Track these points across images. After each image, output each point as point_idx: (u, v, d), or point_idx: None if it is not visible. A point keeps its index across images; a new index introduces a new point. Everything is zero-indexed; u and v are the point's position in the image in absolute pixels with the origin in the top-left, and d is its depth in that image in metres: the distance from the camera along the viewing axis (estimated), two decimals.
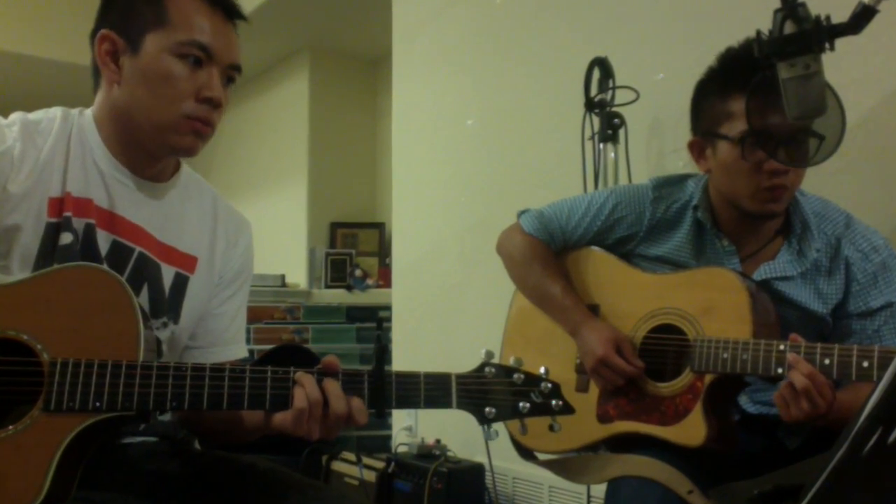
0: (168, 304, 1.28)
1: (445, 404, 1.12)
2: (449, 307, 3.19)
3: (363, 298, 4.49)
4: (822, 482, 0.75)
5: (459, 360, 1.18)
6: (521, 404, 1.12)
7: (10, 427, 1.05)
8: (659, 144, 2.42)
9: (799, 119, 1.29)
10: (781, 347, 1.31)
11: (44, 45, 4.97)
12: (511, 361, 1.15)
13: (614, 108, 2.34)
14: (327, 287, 4.76)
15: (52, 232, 1.19)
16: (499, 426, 1.15)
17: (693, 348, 1.44)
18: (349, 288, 4.61)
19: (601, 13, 2.63)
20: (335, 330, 4.20)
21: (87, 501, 1.14)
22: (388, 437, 3.47)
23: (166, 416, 1.34)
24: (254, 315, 4.00)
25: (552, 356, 1.68)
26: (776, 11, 1.29)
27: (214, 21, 1.23)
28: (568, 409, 1.14)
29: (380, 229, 4.97)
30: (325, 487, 1.34)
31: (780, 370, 1.31)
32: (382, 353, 1.14)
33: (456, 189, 3.21)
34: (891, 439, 0.72)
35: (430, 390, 1.11)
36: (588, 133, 2.38)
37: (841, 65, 1.46)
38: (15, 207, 1.16)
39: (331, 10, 4.45)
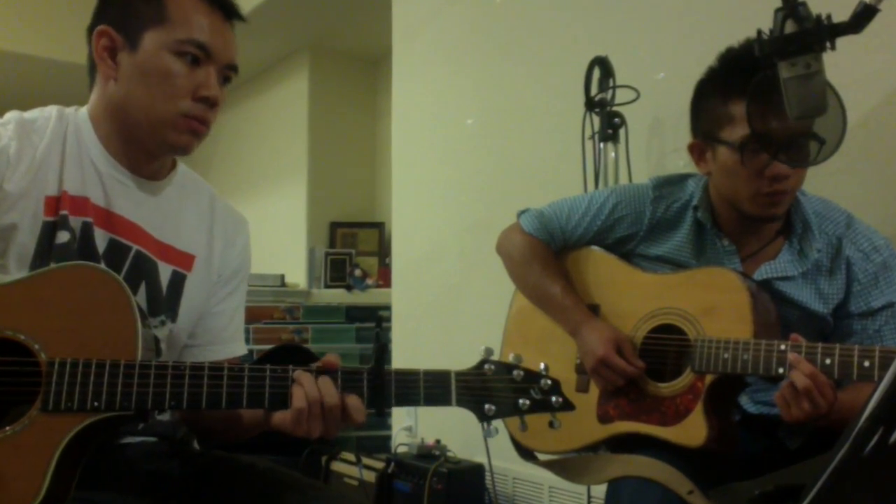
0: (166, 303, 1.28)
1: (445, 402, 1.11)
2: (449, 307, 3.19)
3: (363, 298, 4.49)
4: (824, 482, 0.75)
5: (460, 360, 1.18)
6: (520, 401, 1.12)
7: (8, 428, 1.05)
8: (659, 144, 2.42)
9: (800, 118, 1.29)
10: (782, 347, 1.31)
11: (40, 44, 4.97)
12: (510, 358, 1.14)
13: (615, 108, 2.33)
14: (327, 287, 4.76)
15: (49, 231, 1.19)
16: (499, 425, 1.14)
17: (693, 348, 1.44)
18: (349, 288, 4.61)
19: (601, 12, 2.63)
20: (335, 330, 4.20)
21: (86, 502, 1.13)
22: (388, 438, 3.46)
23: (165, 416, 1.33)
24: (253, 315, 4.00)
25: (552, 356, 1.68)
26: (777, 11, 1.29)
27: (213, 20, 1.23)
28: (568, 406, 1.13)
29: (379, 229, 4.97)
30: (324, 487, 1.34)
31: (780, 370, 1.31)
32: (382, 351, 1.14)
33: (456, 189, 3.21)
34: (892, 439, 0.72)
35: (430, 388, 1.11)
36: (588, 132, 2.38)
37: (842, 64, 1.46)
38: (11, 206, 1.16)
39: (330, 9, 4.44)
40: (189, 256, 1.31)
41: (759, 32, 1.31)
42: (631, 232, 1.66)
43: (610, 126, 2.32)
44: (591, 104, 2.35)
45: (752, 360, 1.34)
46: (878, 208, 1.85)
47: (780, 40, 1.27)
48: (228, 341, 1.38)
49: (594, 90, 2.35)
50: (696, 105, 1.56)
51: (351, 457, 3.01)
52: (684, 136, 1.62)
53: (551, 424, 1.14)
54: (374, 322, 4.18)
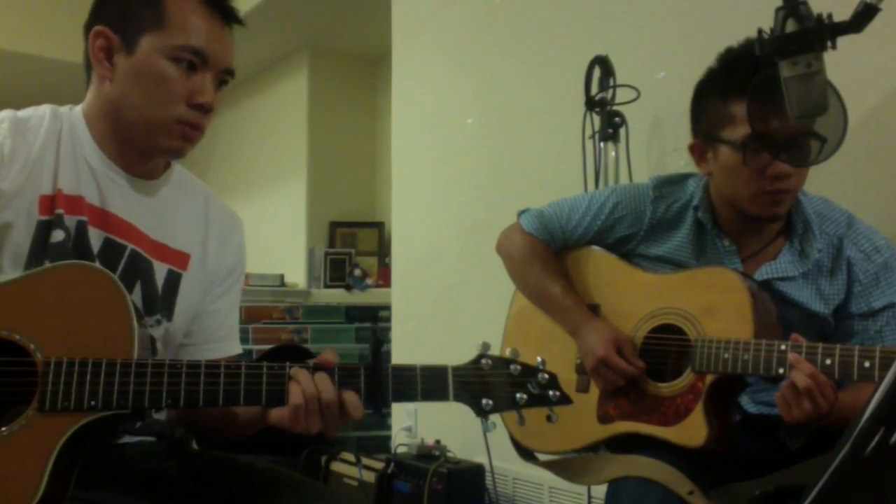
0: (161, 302, 1.28)
1: (442, 397, 1.11)
2: (449, 307, 3.19)
3: (362, 298, 4.48)
4: (824, 483, 0.75)
5: (460, 360, 1.17)
6: (518, 395, 1.11)
7: (5, 428, 1.05)
8: (660, 143, 2.42)
9: (801, 118, 1.29)
10: (783, 348, 1.31)
11: (36, 42, 4.96)
12: (507, 353, 1.14)
13: (615, 107, 2.33)
14: (326, 287, 4.75)
15: (44, 230, 1.19)
16: (497, 420, 1.14)
17: (694, 348, 1.44)
18: (348, 288, 4.60)
19: (602, 11, 2.63)
20: (334, 330, 4.19)
21: (84, 501, 1.13)
22: (388, 438, 3.46)
23: (162, 415, 1.33)
24: (252, 315, 4.00)
25: (552, 356, 1.66)
26: (778, 10, 1.29)
27: (211, 25, 1.23)
28: (565, 400, 1.13)
29: (379, 229, 4.96)
30: (323, 487, 1.34)
31: (781, 370, 1.30)
32: (378, 346, 1.14)
33: (456, 188, 3.21)
34: (893, 440, 0.72)
35: (427, 383, 1.11)
36: (588, 132, 2.38)
37: (843, 63, 1.45)
38: (6, 205, 1.16)
39: (330, 8, 4.44)
40: (184, 255, 1.31)
41: (760, 31, 1.31)
42: (631, 232, 1.65)
43: (610, 125, 2.31)
44: (591, 103, 2.35)
45: (753, 361, 1.34)
46: (879, 208, 1.84)
47: (781, 39, 1.26)
48: (224, 340, 1.38)
49: (594, 89, 2.35)
50: (697, 105, 1.56)
51: (350, 457, 3.01)
52: (685, 135, 1.61)
53: (549, 418, 1.14)
54: (372, 318, 4.18)
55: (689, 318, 1.48)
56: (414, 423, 3.31)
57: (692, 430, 1.42)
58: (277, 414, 1.10)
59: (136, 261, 1.25)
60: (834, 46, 1.24)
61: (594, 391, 1.59)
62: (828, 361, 1.26)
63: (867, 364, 1.23)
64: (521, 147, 2.91)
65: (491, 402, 1.11)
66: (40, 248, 1.18)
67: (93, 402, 1.05)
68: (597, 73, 2.34)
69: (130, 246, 1.25)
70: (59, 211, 1.19)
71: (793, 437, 1.49)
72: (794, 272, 1.50)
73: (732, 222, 1.55)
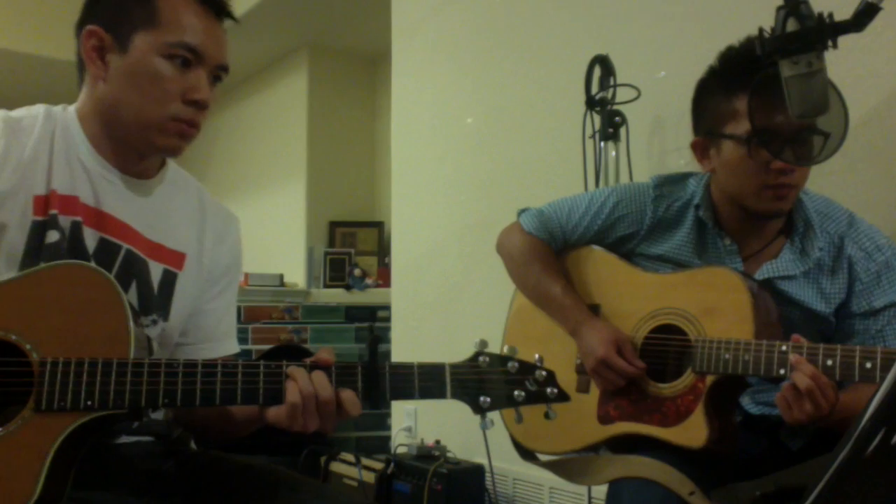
0: (157, 302, 1.27)
1: (440, 395, 1.11)
2: (449, 307, 3.18)
3: (362, 298, 4.48)
4: (825, 483, 0.75)
5: (459, 359, 1.17)
6: (516, 392, 1.11)
7: (1, 428, 1.04)
8: (660, 143, 2.41)
9: (801, 117, 1.28)
10: (784, 348, 1.30)
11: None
12: (505, 350, 1.14)
13: (615, 106, 2.33)
14: (326, 287, 4.75)
15: (39, 230, 1.18)
16: (495, 417, 1.14)
17: (694, 349, 1.43)
18: (348, 287, 4.60)
19: (602, 10, 2.62)
20: (334, 330, 4.19)
21: (81, 501, 1.13)
22: (388, 438, 3.46)
23: (160, 415, 1.33)
24: (252, 315, 4.00)
25: (552, 356, 1.67)
26: (779, 9, 1.29)
27: (205, 22, 1.23)
28: (563, 397, 1.13)
29: (379, 228, 4.96)
30: (322, 486, 1.34)
31: (782, 371, 1.30)
32: (375, 344, 1.13)
33: (456, 188, 3.20)
34: (894, 440, 0.72)
35: (425, 381, 1.11)
36: (589, 131, 2.38)
37: (844, 63, 1.45)
38: None
39: (330, 7, 4.44)
40: (180, 255, 1.31)
41: (761, 31, 1.31)
42: (632, 231, 1.65)
43: (610, 125, 2.31)
44: (591, 103, 2.35)
45: (754, 361, 1.33)
46: (879, 207, 1.84)
47: (782, 39, 1.26)
48: (221, 339, 1.38)
49: (595, 89, 2.35)
50: (698, 103, 1.56)
51: (350, 457, 3.01)
52: (685, 134, 1.61)
53: (547, 415, 1.13)
54: (372, 319, 4.18)
55: (689, 318, 1.48)
56: (414, 424, 3.31)
57: (693, 431, 1.41)
58: (274, 413, 1.09)
59: (131, 261, 1.25)
60: (835, 46, 1.24)
61: (594, 391, 1.59)
62: (829, 362, 1.26)
63: (869, 365, 1.22)
64: (521, 146, 2.91)
65: (489, 399, 1.11)
66: (35, 248, 1.17)
67: (89, 402, 1.05)
68: (597, 72, 2.34)
69: (126, 246, 1.25)
70: (54, 211, 1.19)
71: (794, 438, 1.49)
72: (795, 271, 1.50)
73: (734, 221, 1.55)
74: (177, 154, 1.26)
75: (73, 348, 1.06)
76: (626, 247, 1.67)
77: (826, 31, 1.23)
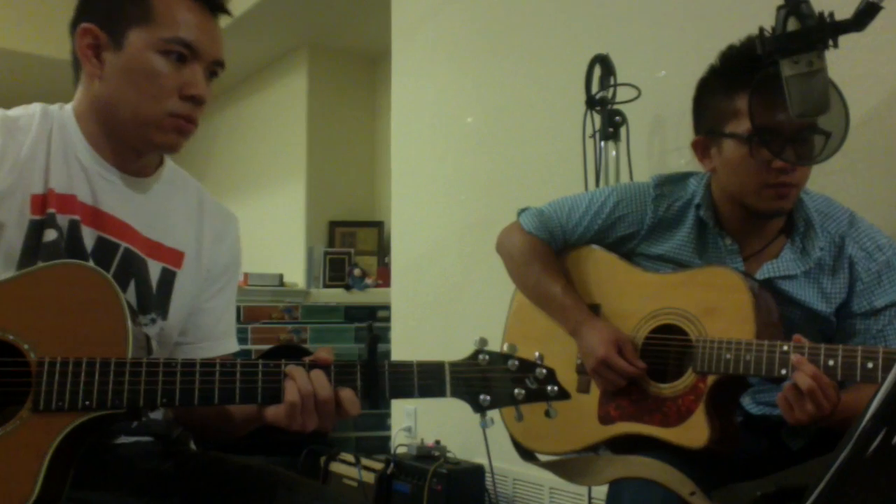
0: (156, 300, 1.27)
1: (440, 393, 1.10)
2: (449, 306, 3.18)
3: (362, 298, 4.48)
4: (826, 483, 0.74)
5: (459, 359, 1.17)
6: (516, 391, 1.10)
7: None
8: (660, 142, 2.41)
9: (802, 117, 1.28)
10: (785, 348, 1.30)
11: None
12: (505, 348, 1.13)
13: (615, 106, 2.33)
14: (326, 286, 4.75)
15: (36, 229, 1.18)
16: (495, 416, 1.13)
17: (695, 349, 1.43)
18: (348, 287, 4.60)
19: (602, 10, 2.62)
20: (333, 330, 4.19)
21: (80, 502, 1.12)
22: (387, 438, 3.46)
23: (159, 415, 1.33)
24: (251, 315, 4.00)
25: (552, 356, 1.65)
26: (779, 8, 1.29)
27: (199, 17, 1.22)
28: (564, 395, 1.12)
29: (379, 228, 4.96)
30: (321, 487, 1.33)
31: (783, 371, 1.30)
32: (374, 342, 1.13)
33: (456, 187, 3.20)
34: (894, 441, 0.71)
35: (424, 379, 1.10)
36: (589, 131, 2.37)
37: (844, 62, 1.45)
38: None
39: (329, 6, 4.44)
40: (178, 253, 1.31)
41: (762, 30, 1.31)
42: (632, 231, 1.65)
43: (611, 124, 2.31)
44: (591, 102, 2.34)
45: (755, 361, 1.33)
46: (880, 207, 1.84)
47: (783, 38, 1.26)
48: (220, 338, 1.38)
49: (595, 88, 2.34)
50: (699, 102, 1.55)
51: (350, 458, 3.01)
52: (686, 134, 1.61)
53: (547, 414, 1.13)
54: (371, 318, 4.17)
55: (690, 318, 1.48)
56: (413, 424, 3.31)
57: (694, 431, 1.41)
58: (273, 412, 1.09)
59: (129, 259, 1.24)
60: (836, 45, 1.24)
61: (595, 392, 1.59)
62: (830, 362, 1.25)
63: (870, 365, 1.22)
64: (521, 146, 2.91)
65: (489, 397, 1.10)
66: (33, 247, 1.17)
67: (87, 402, 1.04)
68: (597, 71, 2.34)
69: (124, 244, 1.24)
70: (51, 210, 1.19)
71: (794, 438, 1.49)
72: (795, 271, 1.49)
73: (734, 221, 1.55)
74: (175, 150, 1.26)
75: (71, 348, 1.06)
76: (626, 246, 1.67)
77: (827, 31, 1.23)
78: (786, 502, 1.24)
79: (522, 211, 1.79)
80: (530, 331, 1.77)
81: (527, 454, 1.69)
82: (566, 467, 1.62)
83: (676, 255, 1.59)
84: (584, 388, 1.61)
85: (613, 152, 2.32)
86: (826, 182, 1.75)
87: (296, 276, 4.92)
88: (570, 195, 1.75)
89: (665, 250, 1.61)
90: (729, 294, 1.44)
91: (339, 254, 4.84)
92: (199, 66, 1.22)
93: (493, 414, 1.12)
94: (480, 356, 1.12)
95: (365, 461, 2.94)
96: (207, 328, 1.35)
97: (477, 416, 1.11)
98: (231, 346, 1.39)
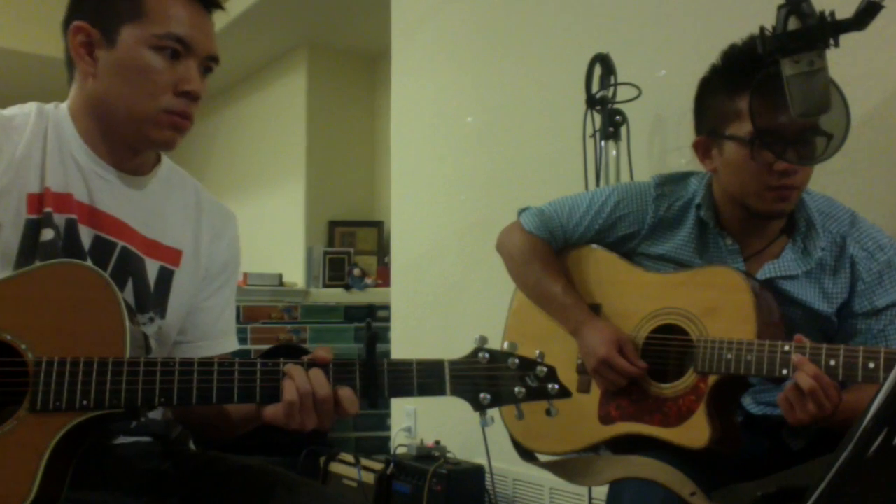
0: (154, 299, 1.27)
1: (439, 391, 1.09)
2: (449, 306, 3.18)
3: (361, 298, 4.48)
4: (827, 484, 0.74)
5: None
6: (516, 389, 1.09)
7: None
8: (661, 142, 2.41)
9: (803, 116, 1.28)
10: (786, 348, 1.30)
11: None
12: (505, 346, 1.12)
13: (616, 105, 2.32)
14: (325, 286, 4.75)
15: (33, 228, 1.18)
16: (495, 414, 1.12)
17: (696, 349, 1.43)
18: (347, 287, 4.60)
19: (602, 9, 2.62)
20: (333, 330, 4.19)
21: (79, 502, 1.12)
22: (387, 439, 3.46)
23: (158, 415, 1.32)
24: (251, 314, 4.00)
25: (553, 355, 1.65)
26: (780, 7, 1.28)
27: (192, 12, 1.22)
28: (565, 393, 1.11)
29: (378, 228, 4.96)
30: (320, 487, 1.33)
31: (784, 371, 1.29)
32: (373, 340, 1.12)
33: (455, 187, 3.20)
34: (895, 441, 0.71)
35: (423, 377, 1.09)
36: (589, 130, 2.37)
37: (845, 61, 1.45)
38: None
39: (329, 6, 4.44)
40: (176, 252, 1.30)
41: (762, 29, 1.30)
42: (633, 230, 1.64)
43: (611, 124, 2.31)
44: (592, 102, 2.34)
45: (756, 361, 1.33)
46: (882, 207, 1.84)
47: (784, 37, 1.26)
48: (219, 336, 1.37)
49: (595, 88, 2.34)
50: (701, 102, 1.55)
51: (350, 458, 3.00)
52: (686, 133, 1.61)
53: (548, 412, 1.12)
54: (370, 316, 4.17)
55: (691, 318, 1.47)
56: (413, 424, 3.31)
57: (694, 432, 1.41)
58: (272, 411, 1.09)
59: (127, 258, 1.24)
60: (837, 44, 1.24)
61: (595, 391, 1.58)
62: (832, 363, 1.25)
63: (872, 365, 1.22)
64: (521, 145, 2.90)
65: (489, 396, 1.09)
66: (30, 247, 1.17)
67: (85, 402, 1.04)
68: (598, 71, 2.34)
69: (121, 243, 1.24)
70: (48, 209, 1.18)
71: (795, 438, 1.48)
72: (796, 271, 1.49)
73: (735, 221, 1.54)
74: (171, 147, 1.25)
75: (69, 348, 1.06)
76: (627, 246, 1.67)
77: (828, 30, 1.22)
78: (786, 503, 1.23)
79: (523, 210, 1.79)
80: (530, 330, 1.76)
81: (527, 454, 1.69)
82: (566, 467, 1.61)
83: (677, 255, 1.59)
84: (584, 388, 1.61)
85: (614, 152, 2.32)
86: (827, 182, 1.74)
87: (295, 275, 4.92)
88: (570, 195, 1.75)
89: (666, 250, 1.61)
90: (730, 294, 1.43)
91: (338, 253, 4.83)
92: (193, 61, 1.21)
93: (493, 413, 1.11)
94: (480, 354, 1.11)
95: (365, 461, 2.93)
96: (206, 327, 1.35)
97: (477, 416, 1.11)
98: (231, 344, 1.39)
